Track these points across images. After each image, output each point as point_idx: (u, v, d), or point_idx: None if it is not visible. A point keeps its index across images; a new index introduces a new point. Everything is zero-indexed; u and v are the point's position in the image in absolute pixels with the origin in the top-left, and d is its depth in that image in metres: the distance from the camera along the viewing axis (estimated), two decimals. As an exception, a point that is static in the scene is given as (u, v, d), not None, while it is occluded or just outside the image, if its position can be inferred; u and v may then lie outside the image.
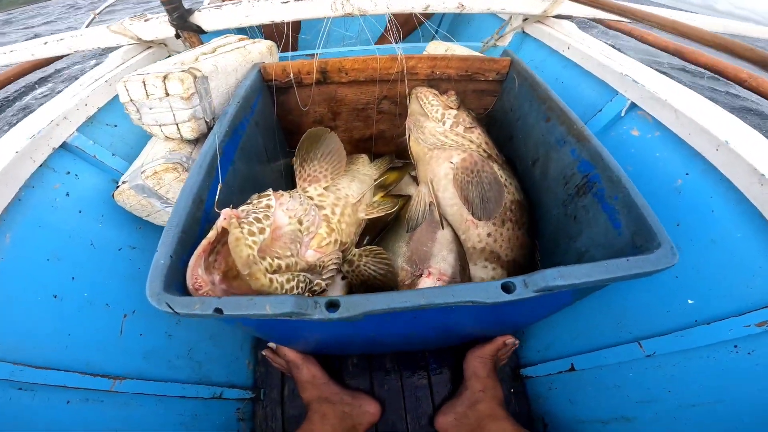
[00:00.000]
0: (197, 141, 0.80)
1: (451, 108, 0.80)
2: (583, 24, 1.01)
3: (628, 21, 0.81)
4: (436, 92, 0.82)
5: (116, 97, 0.88)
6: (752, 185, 0.56)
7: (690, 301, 0.63)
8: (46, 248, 0.69)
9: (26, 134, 0.70)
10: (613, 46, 0.87)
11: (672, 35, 0.66)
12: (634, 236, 0.50)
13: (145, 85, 0.68)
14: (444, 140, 0.77)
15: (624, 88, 0.76)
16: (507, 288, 0.43)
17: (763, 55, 0.54)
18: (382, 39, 1.64)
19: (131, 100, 0.70)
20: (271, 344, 0.95)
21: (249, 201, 0.63)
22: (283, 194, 0.64)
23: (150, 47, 1.03)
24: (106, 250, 0.79)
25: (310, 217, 0.62)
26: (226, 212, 0.52)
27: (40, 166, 0.71)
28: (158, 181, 0.73)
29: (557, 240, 0.70)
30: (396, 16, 1.41)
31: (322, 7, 0.90)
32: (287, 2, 0.90)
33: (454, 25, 2.02)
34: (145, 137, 0.91)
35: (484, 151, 0.77)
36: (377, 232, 0.82)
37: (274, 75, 0.82)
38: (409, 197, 0.79)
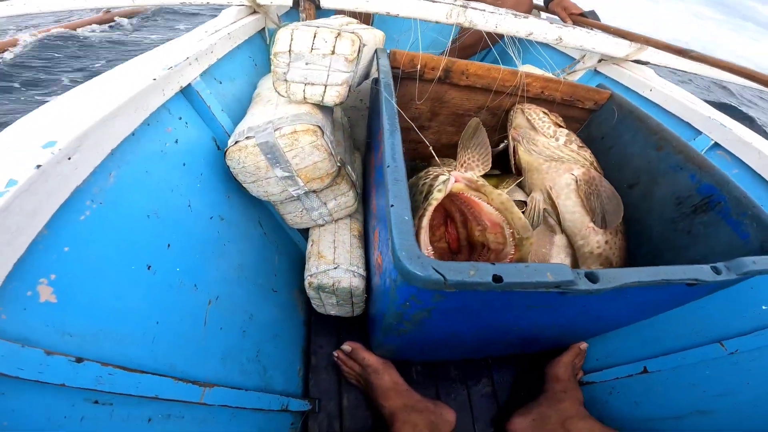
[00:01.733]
0: (322, 111, 0.74)
1: (561, 126, 0.87)
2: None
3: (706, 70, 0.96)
4: (546, 110, 0.88)
5: (228, 54, 0.79)
6: None
7: (764, 307, 0.73)
8: (149, 200, 0.56)
9: (162, 64, 0.59)
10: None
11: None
12: (764, 243, 0.61)
13: (315, 37, 0.63)
14: (560, 154, 0.82)
15: (709, 130, 0.89)
16: (716, 270, 0.50)
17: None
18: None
19: (290, 50, 0.64)
20: (345, 346, 0.86)
21: (425, 174, 0.60)
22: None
23: (254, 13, 0.95)
24: (200, 216, 0.67)
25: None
26: (458, 176, 0.50)
27: (162, 104, 0.60)
28: (294, 141, 0.66)
29: (660, 251, 0.78)
30: (467, 36, 1.50)
31: (438, 12, 0.92)
32: (411, -2, 0.91)
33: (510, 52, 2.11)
34: (238, 102, 0.82)
35: (596, 168, 0.84)
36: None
37: (402, 63, 0.81)
38: (522, 203, 0.82)
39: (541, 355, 0.98)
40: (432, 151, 0.59)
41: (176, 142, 0.63)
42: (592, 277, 0.44)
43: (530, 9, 1.42)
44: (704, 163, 0.72)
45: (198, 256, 0.65)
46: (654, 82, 1.05)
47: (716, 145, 0.88)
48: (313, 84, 0.67)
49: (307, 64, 0.65)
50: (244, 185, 0.72)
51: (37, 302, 0.39)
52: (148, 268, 0.54)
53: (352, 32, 0.66)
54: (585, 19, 1.20)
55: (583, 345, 0.95)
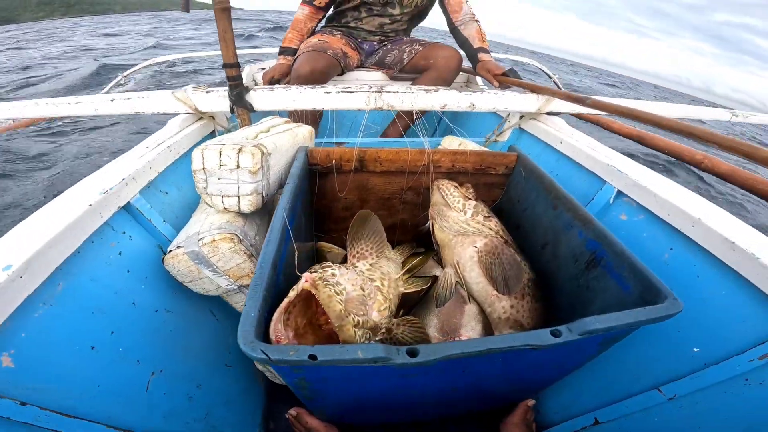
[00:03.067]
0: (247, 216, 0.87)
1: (470, 199, 0.94)
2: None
3: (603, 114, 1.01)
4: (456, 185, 0.96)
5: (172, 164, 0.96)
6: (726, 251, 0.70)
7: (695, 349, 0.74)
8: (93, 301, 0.71)
9: (98, 189, 0.75)
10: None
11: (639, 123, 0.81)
12: (643, 294, 0.63)
13: (221, 155, 0.77)
14: (467, 228, 0.89)
15: (610, 178, 0.93)
16: (555, 333, 0.53)
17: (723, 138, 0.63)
18: (386, 132, 1.85)
19: (204, 168, 0.78)
20: (292, 411, 0.94)
21: (312, 270, 0.70)
22: (340, 266, 0.72)
23: (201, 119, 1.13)
24: (145, 310, 0.80)
25: (369, 285, 0.70)
26: (308, 276, 0.60)
27: (104, 222, 0.75)
28: (214, 249, 0.79)
29: (574, 307, 0.81)
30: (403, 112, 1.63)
31: (358, 100, 1.06)
32: (330, 93, 1.05)
33: (451, 121, 2.17)
34: (188, 208, 0.97)
35: (501, 237, 0.89)
36: (408, 308, 0.90)
37: (318, 160, 0.93)
38: (435, 277, 0.88)
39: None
40: (296, 258, 0.69)
41: (120, 254, 0.78)
42: (412, 352, 0.50)
43: (460, 64, 1.53)
44: (587, 219, 0.77)
45: (142, 339, 0.78)
46: (563, 133, 1.11)
47: (621, 192, 0.92)
48: (228, 196, 0.81)
49: (219, 179, 0.79)
50: (184, 285, 0.85)
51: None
52: (92, 348, 0.68)
53: (255, 145, 0.79)
54: (507, 78, 1.29)
55: (530, 402, 0.96)
